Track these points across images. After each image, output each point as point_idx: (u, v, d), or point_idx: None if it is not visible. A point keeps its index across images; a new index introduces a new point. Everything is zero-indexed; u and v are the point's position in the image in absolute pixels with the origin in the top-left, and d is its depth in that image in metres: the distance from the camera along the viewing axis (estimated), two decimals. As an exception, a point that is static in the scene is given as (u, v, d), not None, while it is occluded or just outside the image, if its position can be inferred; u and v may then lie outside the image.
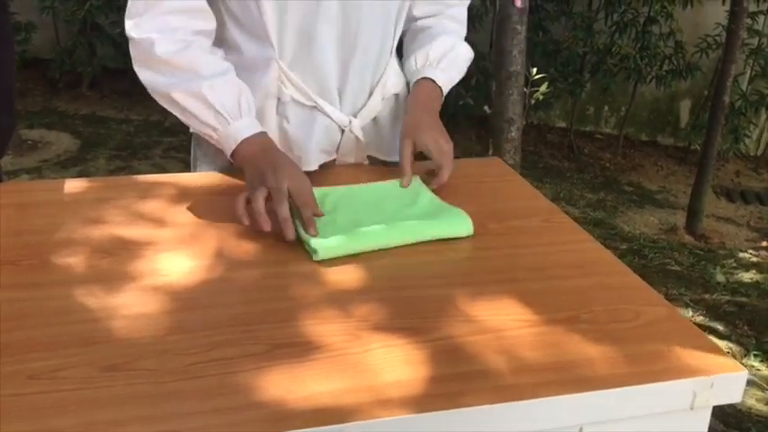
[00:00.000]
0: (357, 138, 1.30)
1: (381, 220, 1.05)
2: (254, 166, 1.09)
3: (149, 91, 1.16)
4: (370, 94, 1.30)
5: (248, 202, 1.04)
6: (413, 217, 1.07)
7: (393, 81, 1.32)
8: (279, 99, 1.23)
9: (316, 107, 1.24)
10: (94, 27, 4.53)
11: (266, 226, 1.01)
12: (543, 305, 0.89)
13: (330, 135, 1.28)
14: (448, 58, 1.33)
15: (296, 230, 1.01)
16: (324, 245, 0.98)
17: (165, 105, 1.16)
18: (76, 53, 4.50)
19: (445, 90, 1.33)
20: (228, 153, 1.14)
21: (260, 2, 1.14)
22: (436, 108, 1.29)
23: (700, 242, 3.56)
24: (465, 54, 1.37)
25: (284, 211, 1.01)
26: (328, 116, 1.26)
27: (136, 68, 1.16)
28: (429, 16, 1.36)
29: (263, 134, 1.15)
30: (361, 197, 1.15)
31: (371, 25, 1.23)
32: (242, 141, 1.12)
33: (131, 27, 1.13)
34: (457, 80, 1.36)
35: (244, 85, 1.16)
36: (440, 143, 1.21)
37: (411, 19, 1.36)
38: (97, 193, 1.16)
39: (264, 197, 1.03)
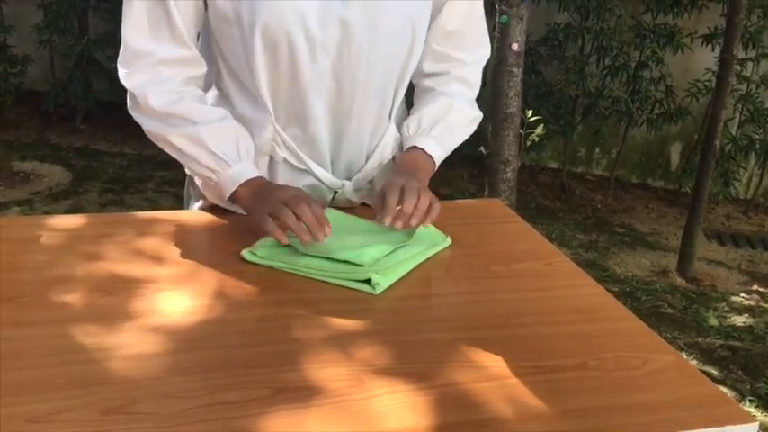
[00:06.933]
0: (349, 199, 1.28)
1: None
2: (258, 199, 1.10)
3: (147, 135, 1.16)
4: (367, 159, 1.27)
5: (274, 218, 1.06)
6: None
7: (392, 146, 1.28)
8: (271, 158, 1.22)
9: (307, 171, 1.23)
10: (91, 61, 4.54)
11: (306, 236, 1.03)
12: (550, 351, 0.88)
13: (321, 195, 1.25)
14: (442, 124, 1.26)
15: (334, 275, 1.02)
16: (380, 276, 0.99)
17: (164, 148, 1.16)
18: (71, 86, 4.51)
19: (438, 160, 1.25)
20: (227, 195, 1.15)
21: (255, 73, 1.13)
22: (422, 177, 1.19)
23: (692, 285, 3.56)
24: (466, 116, 1.30)
25: (307, 213, 1.04)
26: (320, 180, 1.24)
27: (133, 114, 1.16)
28: (436, 75, 1.29)
29: (261, 177, 1.16)
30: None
31: (367, 96, 1.19)
32: (240, 185, 1.13)
33: (124, 76, 1.14)
34: (455, 145, 1.29)
35: (241, 129, 1.16)
36: (404, 182, 1.11)
37: (420, 74, 1.29)
38: (96, 230, 1.15)
39: (287, 212, 1.04)
